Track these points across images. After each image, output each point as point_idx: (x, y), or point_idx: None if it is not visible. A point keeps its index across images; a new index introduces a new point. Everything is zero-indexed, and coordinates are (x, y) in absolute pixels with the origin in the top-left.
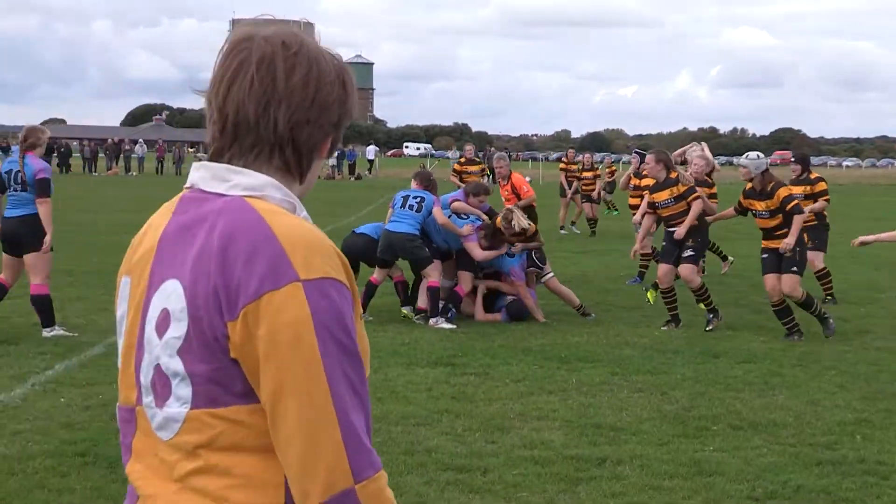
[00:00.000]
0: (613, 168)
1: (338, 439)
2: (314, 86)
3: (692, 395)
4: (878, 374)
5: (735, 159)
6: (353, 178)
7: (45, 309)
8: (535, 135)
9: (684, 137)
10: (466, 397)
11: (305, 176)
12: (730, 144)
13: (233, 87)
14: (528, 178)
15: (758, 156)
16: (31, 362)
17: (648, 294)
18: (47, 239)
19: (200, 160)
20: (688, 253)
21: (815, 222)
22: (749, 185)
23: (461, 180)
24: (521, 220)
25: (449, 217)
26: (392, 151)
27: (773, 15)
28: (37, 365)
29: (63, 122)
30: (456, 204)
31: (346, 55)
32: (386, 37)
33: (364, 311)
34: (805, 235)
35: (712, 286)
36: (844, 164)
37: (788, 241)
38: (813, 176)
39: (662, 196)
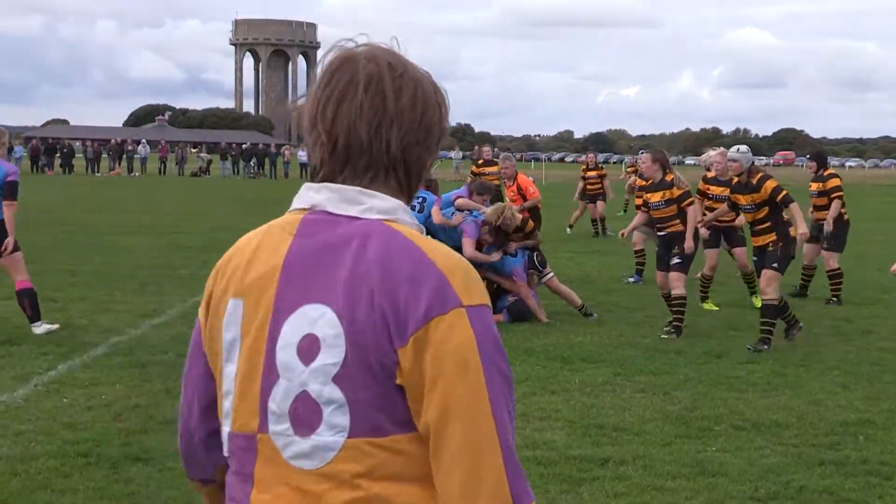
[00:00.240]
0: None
1: (500, 465)
2: (421, 107)
3: (695, 395)
4: (881, 375)
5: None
6: None
7: (34, 303)
8: (538, 135)
9: (686, 138)
10: None
11: (412, 198)
12: (732, 145)
13: (341, 109)
14: (532, 179)
15: (747, 149)
16: (33, 363)
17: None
18: (10, 241)
19: (312, 184)
20: (675, 260)
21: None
22: (735, 179)
23: None
24: (514, 213)
25: (453, 214)
26: None
27: (776, 15)
28: (39, 365)
29: (66, 122)
30: (460, 200)
31: None
32: (388, 37)
33: None
34: (782, 234)
35: (716, 285)
36: (847, 164)
37: (803, 232)
38: (826, 173)
39: (655, 197)
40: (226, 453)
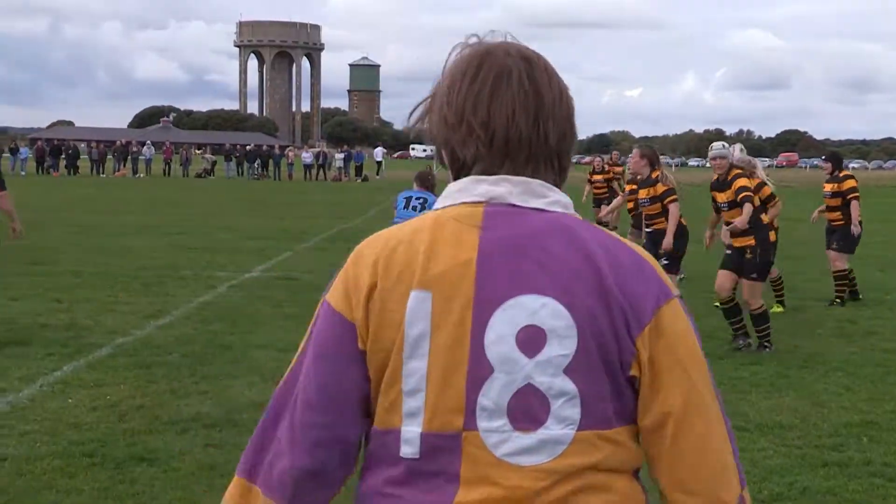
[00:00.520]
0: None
1: (730, 447)
2: (566, 98)
3: None
4: (884, 376)
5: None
6: (359, 180)
7: None
8: None
9: (690, 139)
10: None
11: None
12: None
13: (495, 102)
14: None
15: (723, 146)
16: (39, 363)
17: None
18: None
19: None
20: (662, 261)
21: (843, 222)
22: (715, 176)
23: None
24: None
25: None
26: (399, 153)
27: (779, 17)
28: (45, 366)
29: (71, 123)
30: None
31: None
32: (392, 39)
33: None
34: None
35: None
36: (851, 165)
37: (736, 223)
38: (842, 174)
39: (641, 194)
40: (404, 454)
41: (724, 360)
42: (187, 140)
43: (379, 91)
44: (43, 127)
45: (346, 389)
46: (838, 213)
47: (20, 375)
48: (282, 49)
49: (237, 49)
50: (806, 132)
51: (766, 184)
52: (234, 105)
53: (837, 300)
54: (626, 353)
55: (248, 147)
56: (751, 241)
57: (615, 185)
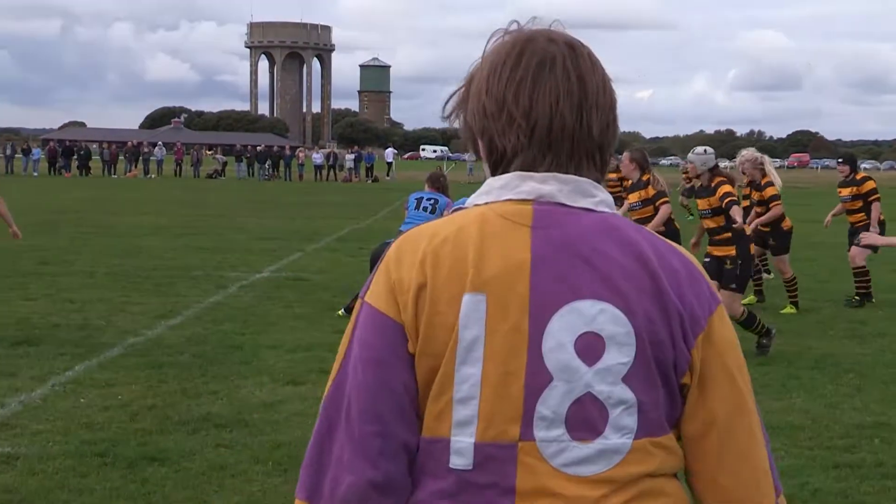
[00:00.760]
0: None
1: (766, 454)
2: (609, 87)
3: None
4: None
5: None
6: (370, 181)
7: None
8: None
9: (700, 140)
10: None
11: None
12: (747, 147)
13: (538, 91)
14: None
15: (704, 150)
16: (51, 363)
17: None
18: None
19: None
20: None
21: (867, 221)
22: (699, 182)
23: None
24: None
25: None
26: (409, 154)
27: (791, 17)
28: (57, 366)
29: (83, 124)
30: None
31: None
32: (402, 40)
33: None
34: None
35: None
36: (862, 166)
37: (740, 224)
38: (859, 176)
39: (633, 198)
40: (455, 465)
41: None
42: (198, 141)
43: (389, 92)
44: (55, 128)
45: (400, 394)
46: (861, 214)
47: (32, 375)
48: (292, 50)
49: (248, 50)
50: (817, 133)
51: (772, 184)
52: (244, 106)
53: (856, 298)
54: (682, 360)
55: (258, 148)
56: (731, 250)
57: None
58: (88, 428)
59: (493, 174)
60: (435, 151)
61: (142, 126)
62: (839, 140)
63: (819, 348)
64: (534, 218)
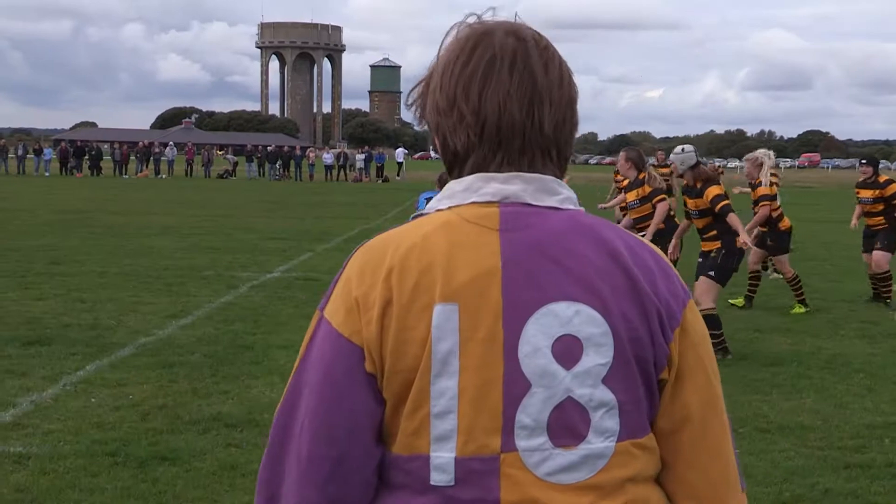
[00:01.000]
0: (721, 170)
1: (733, 450)
2: (567, 83)
3: None
4: None
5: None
6: (380, 181)
7: None
8: None
9: (711, 140)
10: None
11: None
12: (757, 147)
13: (488, 86)
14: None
15: (682, 149)
16: (62, 363)
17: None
18: None
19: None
20: None
21: (886, 225)
22: (685, 181)
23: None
24: None
25: None
26: (419, 154)
27: (802, 17)
28: (68, 365)
29: (94, 125)
30: None
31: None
32: (413, 40)
33: None
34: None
35: (738, 287)
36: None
37: (743, 241)
38: (882, 179)
39: (630, 196)
40: (436, 482)
41: (745, 360)
42: (209, 141)
43: (400, 92)
44: (66, 128)
45: (356, 417)
46: (881, 217)
47: (44, 375)
48: (303, 50)
49: (259, 50)
50: (828, 133)
51: (762, 184)
52: (255, 106)
53: (887, 300)
54: (661, 355)
55: (269, 148)
56: (717, 244)
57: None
58: (99, 427)
59: (450, 174)
60: None
61: (153, 126)
62: (850, 140)
63: (830, 348)
64: (501, 220)
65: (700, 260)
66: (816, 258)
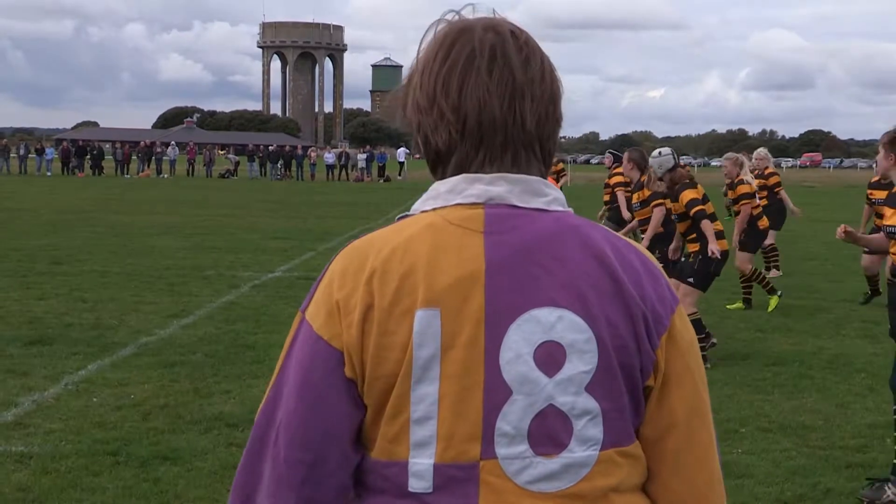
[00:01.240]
0: (769, 169)
1: (717, 457)
2: (549, 77)
3: (720, 397)
4: None
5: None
6: (381, 181)
7: None
8: (564, 137)
9: (712, 140)
10: None
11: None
12: (759, 147)
13: (467, 83)
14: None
15: (660, 153)
16: (63, 362)
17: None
18: None
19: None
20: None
21: None
22: (665, 185)
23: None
24: None
25: None
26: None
27: (803, 16)
28: (70, 365)
29: (96, 124)
30: None
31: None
32: (414, 40)
33: None
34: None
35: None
36: (874, 165)
37: (712, 248)
38: None
39: (634, 199)
40: (414, 488)
41: (747, 360)
42: (211, 140)
43: None
44: (68, 128)
45: (333, 422)
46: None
47: (45, 374)
48: (305, 50)
49: (260, 50)
50: (830, 132)
51: (743, 182)
52: (257, 106)
53: None
54: (647, 362)
55: (270, 147)
56: (697, 247)
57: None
58: (101, 427)
59: (434, 174)
60: None
61: (154, 126)
62: (851, 140)
63: (831, 348)
64: (486, 223)
65: (682, 259)
66: (818, 258)
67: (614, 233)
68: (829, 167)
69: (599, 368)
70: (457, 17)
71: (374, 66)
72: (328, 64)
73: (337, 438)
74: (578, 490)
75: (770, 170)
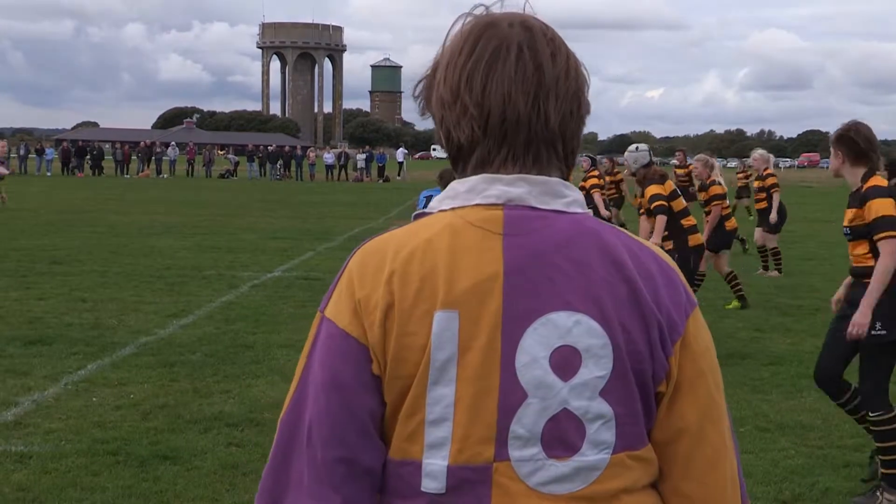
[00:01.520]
0: (748, 173)
1: (736, 462)
2: (574, 74)
3: None
4: None
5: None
6: (381, 181)
7: None
8: None
9: (711, 140)
10: None
11: (570, 179)
12: (756, 147)
13: (492, 78)
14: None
15: (636, 148)
16: (63, 362)
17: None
18: None
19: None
20: None
21: None
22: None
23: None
24: None
25: None
26: (420, 154)
27: (801, 17)
28: (69, 365)
29: (96, 125)
30: None
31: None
32: (414, 40)
33: None
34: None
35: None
36: None
37: (654, 241)
38: None
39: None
40: (427, 488)
41: (746, 360)
42: (210, 141)
43: (401, 92)
44: (68, 128)
45: (363, 417)
46: None
47: (45, 374)
48: (304, 50)
49: (260, 50)
50: (828, 132)
51: (716, 183)
52: (256, 106)
53: None
54: (660, 369)
55: (270, 148)
56: (669, 245)
57: (623, 186)
58: (101, 427)
59: (454, 168)
60: None
61: (154, 126)
62: None
63: None
64: (505, 224)
65: None
66: (816, 258)
67: (633, 236)
68: (827, 167)
69: (614, 374)
70: (485, 12)
71: (374, 67)
72: (327, 64)
73: (371, 435)
74: (589, 492)
75: (768, 171)
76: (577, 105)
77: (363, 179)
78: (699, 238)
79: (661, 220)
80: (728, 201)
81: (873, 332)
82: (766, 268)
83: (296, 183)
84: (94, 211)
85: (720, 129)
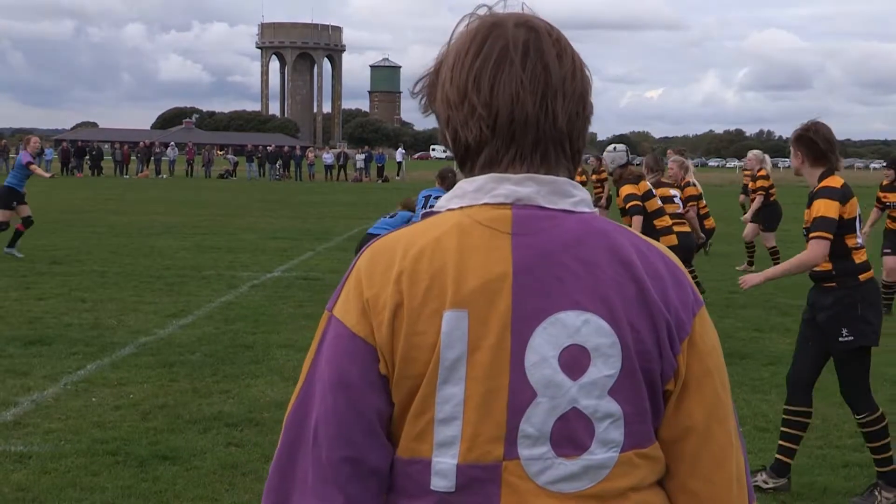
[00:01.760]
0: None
1: (743, 462)
2: (580, 75)
3: None
4: None
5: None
6: (380, 181)
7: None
8: None
9: (710, 140)
10: None
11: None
12: (755, 147)
13: (499, 78)
14: None
15: (614, 148)
16: (63, 362)
17: None
18: None
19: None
20: None
21: None
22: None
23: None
24: None
25: None
26: (419, 154)
27: (801, 17)
28: (69, 365)
29: (95, 125)
30: None
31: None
32: (413, 40)
33: None
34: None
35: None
36: (872, 166)
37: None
38: None
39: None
40: (437, 487)
41: (745, 360)
42: (210, 141)
43: (400, 92)
44: (67, 128)
45: (370, 417)
46: None
47: (44, 374)
48: (303, 50)
49: (259, 51)
50: None
51: (689, 184)
52: (255, 106)
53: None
54: (668, 367)
55: (269, 148)
56: None
57: (607, 185)
58: (100, 427)
59: (462, 169)
60: (445, 151)
61: (154, 126)
62: (848, 140)
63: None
64: (513, 224)
65: None
66: None
67: (640, 236)
68: None
69: (622, 373)
70: (488, 12)
71: (373, 67)
72: (327, 64)
73: (377, 435)
74: (598, 491)
75: (762, 172)
76: (582, 105)
77: (362, 179)
78: (673, 239)
79: (637, 220)
80: (704, 201)
81: (841, 339)
82: (750, 263)
83: (295, 183)
84: (94, 211)
85: (720, 129)
